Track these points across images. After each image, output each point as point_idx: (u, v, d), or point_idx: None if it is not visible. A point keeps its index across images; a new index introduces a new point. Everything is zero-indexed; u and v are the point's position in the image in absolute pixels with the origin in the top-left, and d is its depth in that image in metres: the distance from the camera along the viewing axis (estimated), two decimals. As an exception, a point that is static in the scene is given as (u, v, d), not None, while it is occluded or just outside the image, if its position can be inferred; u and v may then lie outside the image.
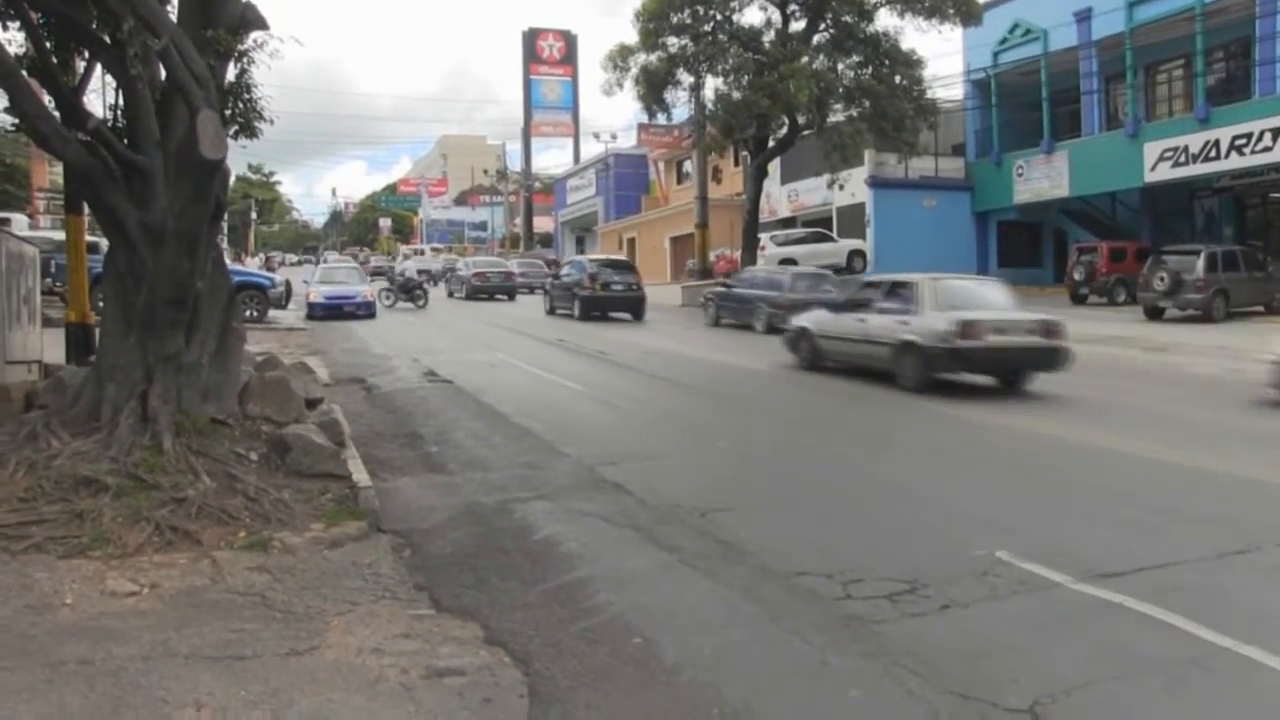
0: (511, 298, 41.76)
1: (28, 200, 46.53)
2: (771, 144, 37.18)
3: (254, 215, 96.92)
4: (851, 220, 41.41)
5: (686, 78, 36.53)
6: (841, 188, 37.82)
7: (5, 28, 9.92)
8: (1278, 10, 29.75)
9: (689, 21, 35.40)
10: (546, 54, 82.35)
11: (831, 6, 34.44)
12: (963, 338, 14.81)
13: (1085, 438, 11.65)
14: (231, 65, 10.27)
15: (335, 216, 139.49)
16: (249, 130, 11.06)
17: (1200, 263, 26.33)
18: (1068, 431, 12.09)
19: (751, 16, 37.38)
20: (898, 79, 34.47)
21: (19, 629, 5.60)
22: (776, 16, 36.06)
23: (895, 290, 16.74)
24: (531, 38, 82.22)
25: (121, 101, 10.04)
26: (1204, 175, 31.91)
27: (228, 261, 12.48)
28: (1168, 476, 9.96)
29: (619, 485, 9.35)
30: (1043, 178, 37.21)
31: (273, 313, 28.95)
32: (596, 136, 71.57)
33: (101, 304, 11.80)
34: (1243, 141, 29.68)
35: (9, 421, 9.24)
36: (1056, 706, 4.85)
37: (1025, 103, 37.88)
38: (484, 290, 41.37)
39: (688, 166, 55.78)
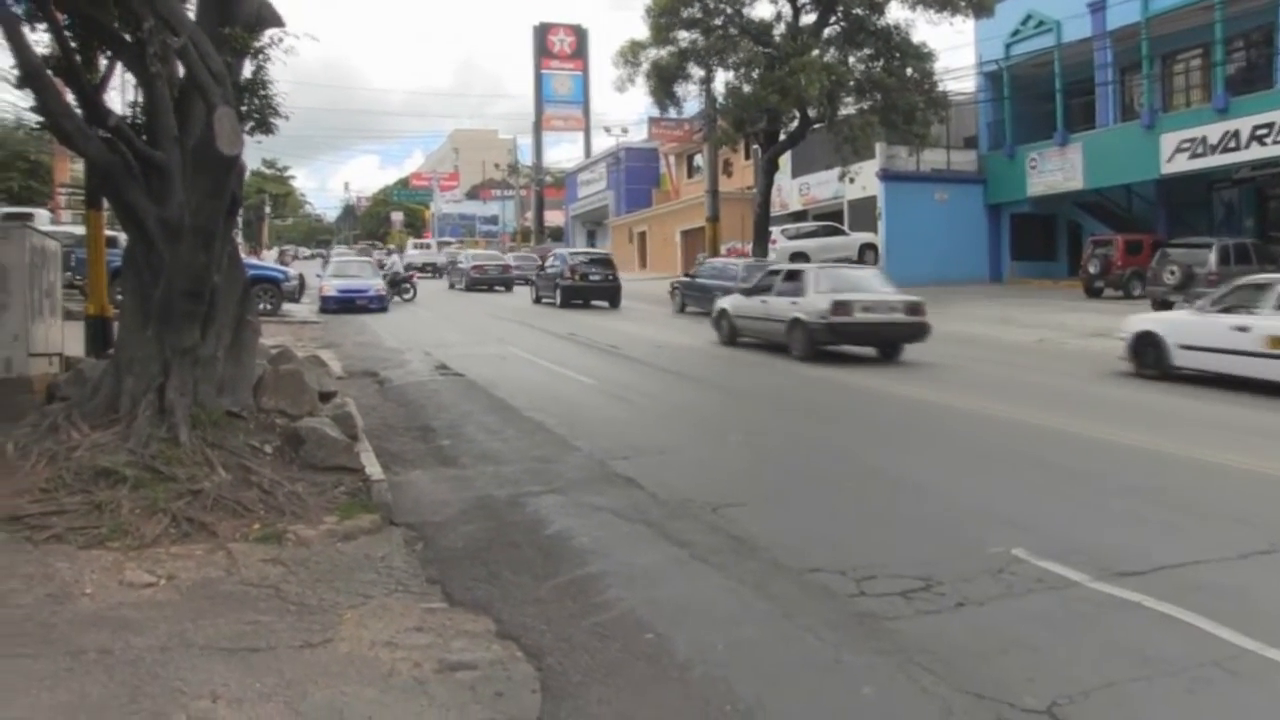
0: (509, 289, 43.44)
1: (50, 195, 46.78)
2: (782, 137, 37.17)
3: (268, 209, 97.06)
4: (863, 213, 41.36)
5: (697, 72, 36.58)
6: (853, 181, 37.82)
7: (33, 29, 10.03)
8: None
9: (699, 16, 35.41)
10: (557, 48, 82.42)
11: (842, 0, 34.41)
12: (836, 314, 18.08)
13: (1108, 435, 11.67)
14: (248, 62, 10.37)
15: (348, 210, 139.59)
16: (264, 126, 11.15)
17: (1213, 256, 26.23)
18: (1078, 426, 12.09)
19: (762, 10, 37.67)
20: (909, 72, 34.42)
21: (41, 617, 5.69)
22: (787, 10, 36.04)
23: (790, 276, 20.15)
24: (542, 32, 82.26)
25: (141, 99, 10.13)
26: (1223, 166, 31.64)
27: (242, 255, 12.55)
28: (1186, 472, 9.95)
29: (630, 479, 9.40)
30: (1056, 170, 37.07)
31: (286, 306, 29.08)
32: (607, 130, 71.87)
33: (120, 297, 11.90)
34: (1264, 131, 29.42)
35: (32, 413, 9.36)
36: (1075, 708, 4.80)
37: (1038, 94, 37.69)
38: (482, 282, 43.53)
39: (699, 160, 55.77)
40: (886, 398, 14.82)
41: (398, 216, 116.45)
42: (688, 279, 32.43)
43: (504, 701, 4.89)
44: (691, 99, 38.71)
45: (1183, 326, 16.14)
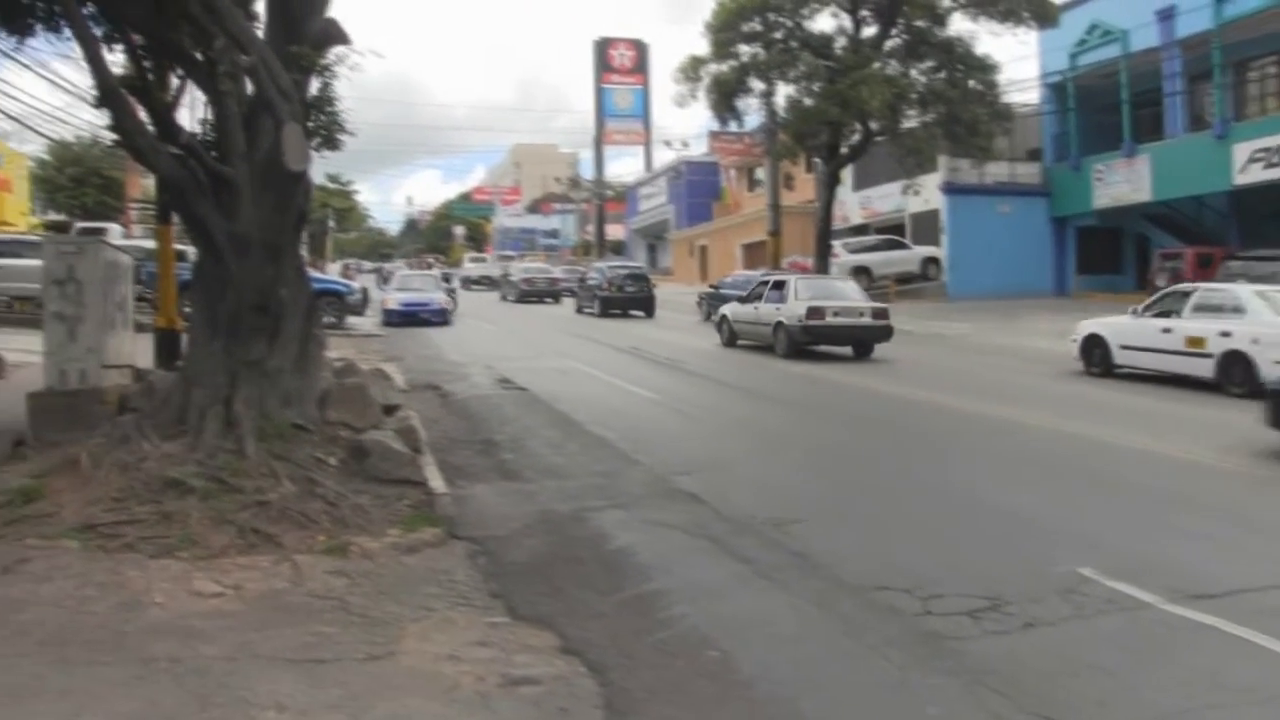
0: (556, 300, 45.53)
1: (121, 210, 47.75)
2: (844, 151, 36.95)
3: (332, 223, 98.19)
4: (925, 227, 41.02)
5: (758, 85, 36.44)
6: (915, 194, 37.51)
7: (110, 50, 10.25)
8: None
9: (760, 29, 35.31)
10: (618, 63, 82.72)
11: (903, 11, 34.14)
12: (811, 319, 21.47)
13: (1178, 452, 11.51)
14: (314, 79, 10.50)
15: (410, 224, 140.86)
16: (331, 142, 11.30)
17: None
18: (1145, 442, 11.92)
19: (822, 23, 37.21)
20: (971, 83, 34.06)
21: (114, 625, 5.79)
22: (848, 23, 35.83)
23: (776, 286, 23.42)
24: (603, 47, 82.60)
25: (211, 116, 10.31)
26: (1301, 176, 30.75)
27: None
28: (1238, 485, 9.86)
29: (693, 495, 9.38)
30: (1123, 182, 36.47)
31: (350, 319, 29.38)
32: (668, 144, 71.67)
33: (189, 310, 12.09)
34: (1344, 139, 28.53)
35: (104, 424, 9.52)
36: (1148, 734, 4.69)
37: (1104, 105, 37.10)
38: (531, 294, 45.87)
39: (759, 174, 55.65)
40: (939, 410, 14.88)
41: (459, 230, 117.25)
42: (712, 290, 34.56)
43: (568, 718, 4.88)
44: (752, 113, 38.67)
45: (1123, 329, 18.52)
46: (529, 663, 5.49)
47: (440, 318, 31.74)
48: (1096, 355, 18.75)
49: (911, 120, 34.75)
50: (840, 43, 35.68)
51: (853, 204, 46.34)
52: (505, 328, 31.34)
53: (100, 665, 5.23)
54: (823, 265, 36.62)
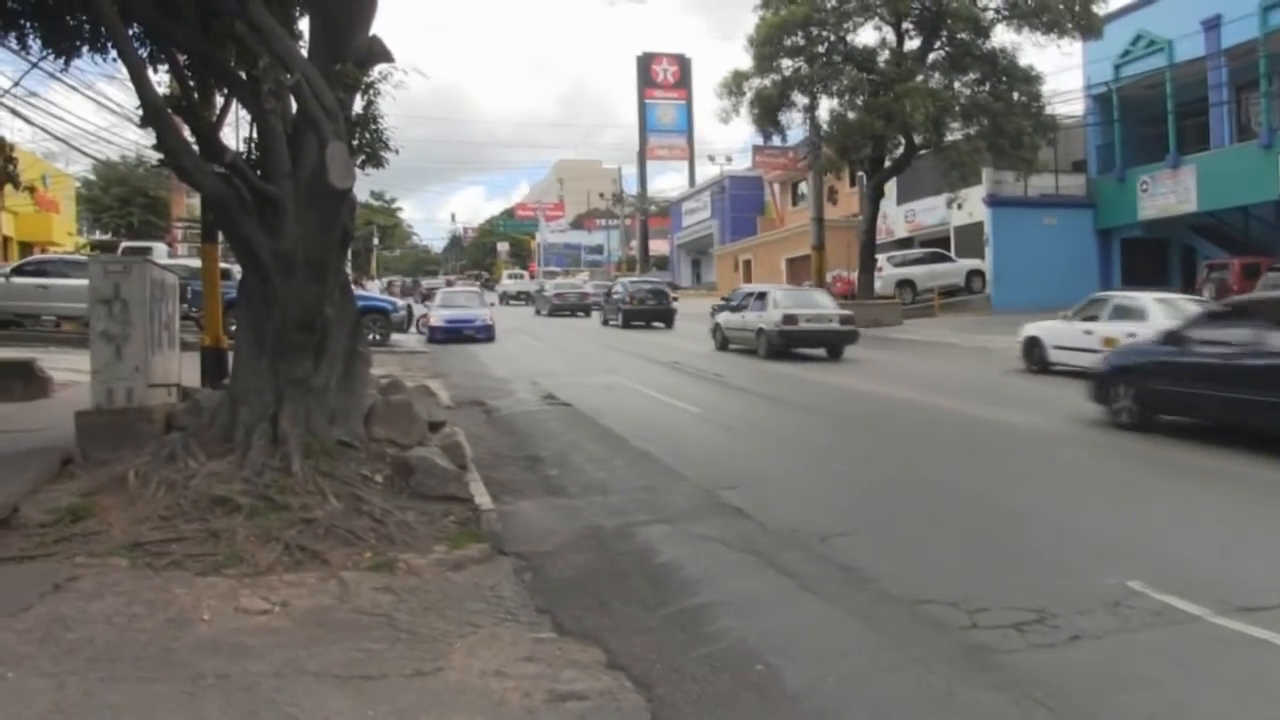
0: (587, 314, 47.26)
1: (167, 229, 48.45)
2: (887, 164, 36.86)
3: (376, 241, 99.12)
4: (970, 240, 40.79)
5: (801, 99, 36.44)
6: (959, 207, 37.30)
7: (155, 71, 10.37)
8: None
9: (802, 43, 35.32)
10: (661, 78, 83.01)
11: (947, 24, 34.03)
12: (786, 324, 24.73)
13: (1210, 462, 11.33)
14: (359, 97, 10.58)
15: (454, 241, 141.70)
16: (375, 160, 11.39)
17: None
18: (1194, 458, 11.76)
19: (865, 36, 37.23)
20: (1015, 95, 33.91)
21: (163, 642, 5.81)
22: (891, 36, 35.79)
23: (759, 297, 26.68)
24: (646, 62, 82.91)
25: (255, 135, 10.41)
26: (1350, 186, 30.24)
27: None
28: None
29: (738, 509, 9.33)
30: (1169, 193, 36.08)
31: (395, 336, 29.54)
32: (711, 159, 71.86)
33: (234, 329, 12.18)
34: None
35: (151, 442, 9.60)
36: (1201, 749, 4.62)
37: (1149, 116, 36.79)
38: (564, 308, 48.13)
39: (803, 188, 55.57)
40: (978, 423, 14.83)
41: (503, 246, 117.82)
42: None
43: (614, 733, 4.84)
44: (795, 127, 38.67)
45: (1055, 331, 21.20)
46: (575, 678, 5.46)
47: (485, 334, 31.80)
48: (1035, 354, 21.55)
49: (955, 133, 34.60)
50: (883, 56, 35.66)
51: (897, 217, 46.16)
52: (549, 343, 31.42)
53: (149, 682, 5.25)
54: (867, 279, 36.46)
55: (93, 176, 53.37)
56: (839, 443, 13.72)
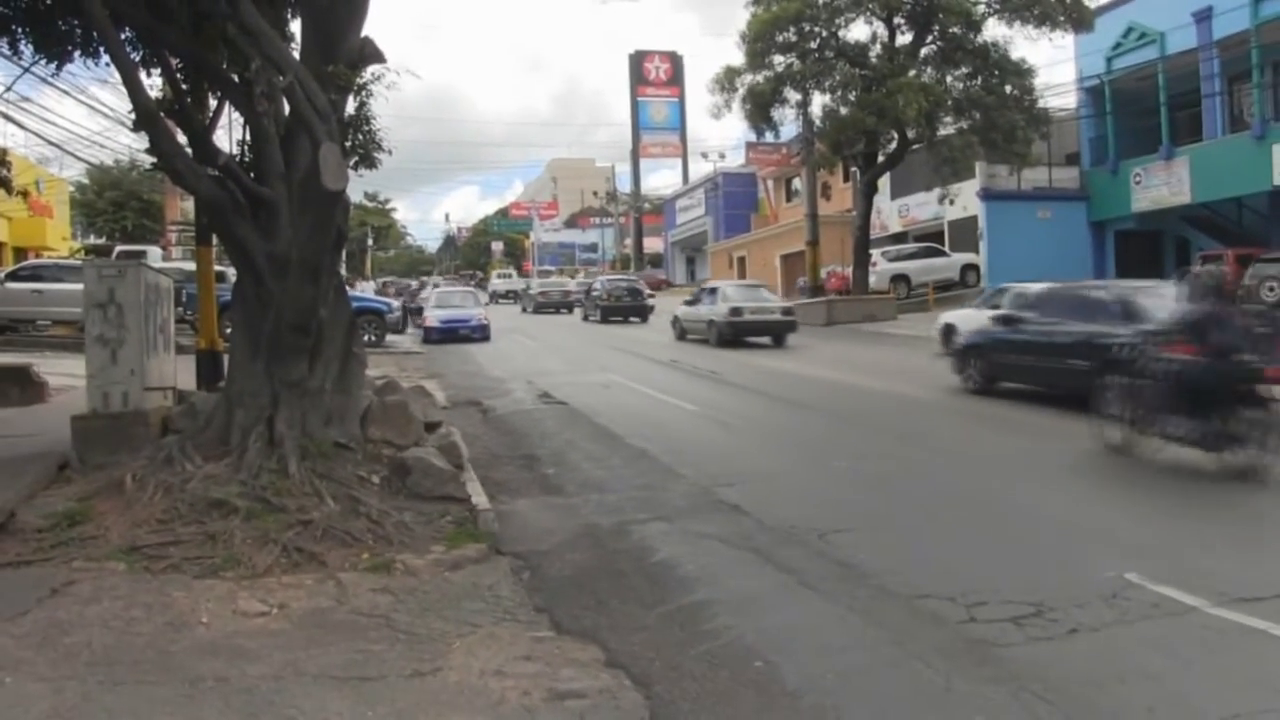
0: (570, 311, 49.45)
1: (161, 233, 48.36)
2: (881, 159, 36.89)
3: (370, 242, 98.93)
4: (964, 234, 40.78)
5: (793, 96, 36.49)
6: (953, 201, 37.37)
7: (148, 74, 10.34)
8: None
9: (795, 39, 35.33)
10: (653, 76, 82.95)
11: (939, 19, 34.08)
12: (732, 316, 27.75)
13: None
14: (351, 99, 10.56)
15: (449, 241, 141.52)
16: (368, 161, 11.37)
17: None
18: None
19: (857, 32, 37.32)
20: (1008, 89, 33.95)
21: (161, 645, 5.81)
22: (882, 31, 35.83)
23: (711, 292, 30.44)
24: (638, 60, 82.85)
25: (248, 137, 10.39)
26: (1342, 176, 30.22)
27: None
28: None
29: (736, 506, 9.33)
30: (1162, 185, 36.08)
31: (390, 337, 29.53)
32: (705, 156, 71.68)
33: (230, 331, 12.18)
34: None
35: (148, 446, 9.59)
36: (1199, 740, 4.63)
37: (1142, 108, 36.75)
38: (547, 305, 51.14)
39: (797, 184, 55.60)
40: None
41: (498, 246, 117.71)
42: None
43: (614, 731, 4.85)
44: (788, 123, 38.76)
45: (967, 318, 22.84)
46: (574, 676, 5.47)
47: (481, 334, 31.82)
48: (950, 340, 22.30)
49: (948, 128, 34.64)
50: (875, 51, 35.70)
51: (891, 212, 46.18)
52: (544, 342, 31.46)
53: (147, 685, 5.26)
54: (862, 274, 36.49)
55: (86, 181, 53.26)
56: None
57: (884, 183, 41.85)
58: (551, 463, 11.72)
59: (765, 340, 28.38)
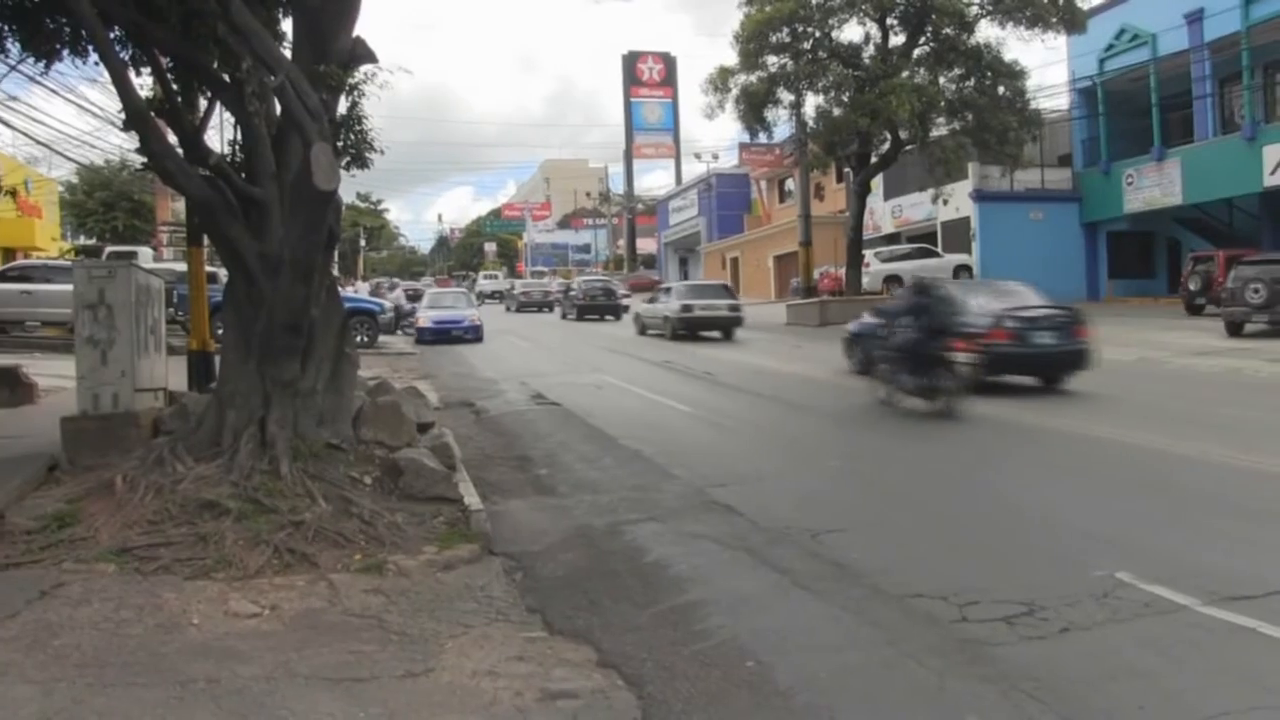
0: (551, 309, 52.48)
1: (152, 234, 48.27)
2: (874, 160, 36.89)
3: (363, 242, 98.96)
4: (957, 234, 40.85)
5: (787, 96, 36.42)
6: (946, 202, 37.37)
7: (138, 74, 10.31)
8: None
9: (788, 40, 35.28)
10: (646, 76, 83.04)
11: (932, 20, 34.04)
12: (684, 312, 30.67)
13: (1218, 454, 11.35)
14: (343, 98, 10.54)
15: (442, 242, 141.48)
16: (360, 161, 11.35)
17: None
18: (1185, 447, 11.77)
19: (850, 33, 37.23)
20: (1000, 90, 33.95)
21: (152, 647, 5.79)
22: (876, 32, 35.78)
23: (667, 290, 34.35)
24: (631, 61, 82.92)
25: (240, 137, 10.37)
26: (1333, 178, 30.30)
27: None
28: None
29: (729, 506, 9.31)
30: (1154, 186, 36.20)
31: (383, 338, 29.50)
32: (698, 157, 71.84)
33: (221, 332, 12.14)
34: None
35: (138, 447, 9.57)
36: (1189, 738, 4.62)
37: (1134, 110, 36.88)
38: (529, 304, 54.87)
39: (790, 185, 55.71)
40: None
41: (490, 247, 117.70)
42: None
43: (606, 731, 4.83)
44: (782, 124, 38.71)
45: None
46: (566, 677, 5.46)
47: (474, 335, 31.85)
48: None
49: (941, 129, 34.63)
50: (868, 52, 35.66)
51: (884, 213, 46.25)
52: (536, 343, 31.53)
53: (138, 687, 5.23)
54: (855, 275, 36.49)
55: (76, 181, 53.12)
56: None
57: (877, 183, 41.91)
58: (544, 463, 11.71)
59: (714, 334, 30.52)
